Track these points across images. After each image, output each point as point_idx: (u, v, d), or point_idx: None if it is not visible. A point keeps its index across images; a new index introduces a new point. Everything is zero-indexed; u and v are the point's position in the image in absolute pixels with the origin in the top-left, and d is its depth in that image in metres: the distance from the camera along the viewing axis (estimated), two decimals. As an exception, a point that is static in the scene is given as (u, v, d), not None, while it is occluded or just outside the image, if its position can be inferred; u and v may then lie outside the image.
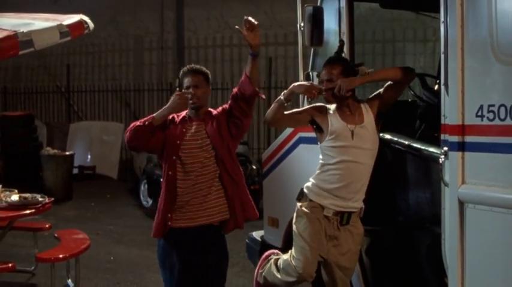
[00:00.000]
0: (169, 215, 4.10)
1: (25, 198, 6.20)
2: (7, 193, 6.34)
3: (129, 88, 16.48)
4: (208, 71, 4.26)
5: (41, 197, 6.30)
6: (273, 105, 4.35)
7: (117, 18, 16.56)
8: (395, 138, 4.63)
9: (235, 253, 6.94)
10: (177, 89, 4.28)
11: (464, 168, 3.56)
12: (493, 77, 3.42)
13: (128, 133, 4.10)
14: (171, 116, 4.16)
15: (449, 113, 3.64)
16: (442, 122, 3.72)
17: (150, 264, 7.53)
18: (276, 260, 4.49)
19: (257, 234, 5.96)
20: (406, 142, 4.57)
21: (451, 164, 3.63)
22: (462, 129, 3.55)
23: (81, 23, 5.74)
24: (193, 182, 4.06)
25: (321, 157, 4.29)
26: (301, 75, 5.11)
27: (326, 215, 4.20)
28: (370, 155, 4.21)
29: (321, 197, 4.21)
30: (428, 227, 4.37)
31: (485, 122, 3.41)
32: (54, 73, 17.63)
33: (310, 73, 4.97)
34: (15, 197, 6.21)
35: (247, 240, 6.09)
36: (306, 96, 4.76)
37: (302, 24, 4.96)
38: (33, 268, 7.03)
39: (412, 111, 5.15)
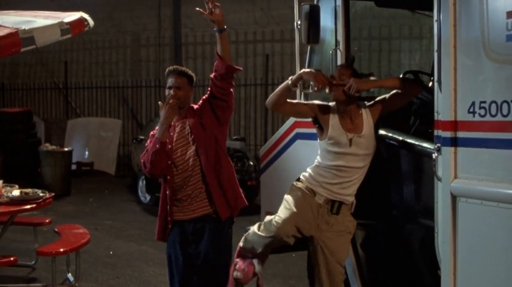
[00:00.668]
0: (168, 208, 4.20)
1: (26, 193, 6.26)
2: (8, 188, 6.41)
3: (127, 85, 16.52)
4: (193, 74, 4.29)
5: (42, 192, 6.37)
6: (278, 88, 4.38)
7: (114, 15, 16.59)
8: (390, 134, 4.69)
9: (232, 247, 7.01)
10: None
11: (456, 163, 3.64)
12: (484, 75, 3.50)
13: (149, 168, 4.10)
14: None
15: (442, 109, 3.72)
16: (435, 118, 3.79)
17: (149, 258, 7.64)
18: (260, 224, 4.61)
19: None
20: (401, 138, 4.65)
21: (443, 159, 3.70)
22: (455, 125, 3.63)
23: (81, 20, 5.82)
24: (186, 178, 4.13)
25: (319, 151, 4.39)
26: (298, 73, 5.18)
27: (317, 201, 4.32)
28: (366, 159, 4.32)
29: (313, 185, 4.35)
30: (422, 220, 4.44)
31: (477, 118, 3.49)
32: (51, 70, 17.66)
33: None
34: (16, 192, 6.27)
35: (244, 234, 6.16)
36: (300, 89, 4.85)
37: (299, 22, 5.04)
38: (33, 262, 7.11)
39: (407, 108, 5.23)
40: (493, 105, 3.40)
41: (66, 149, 13.16)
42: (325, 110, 4.38)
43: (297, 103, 4.51)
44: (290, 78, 4.35)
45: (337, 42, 4.82)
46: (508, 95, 3.32)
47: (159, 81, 16.06)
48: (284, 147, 5.61)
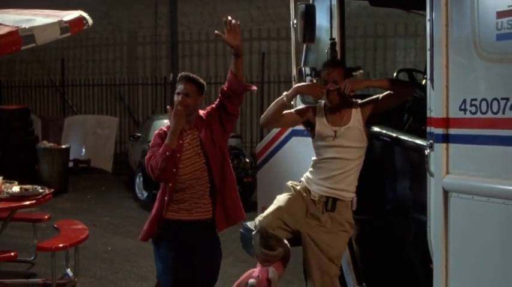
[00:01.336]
0: (165, 210, 4.23)
1: (26, 189, 6.34)
2: (8, 184, 6.48)
3: (123, 82, 16.57)
4: (203, 82, 4.26)
5: (41, 188, 6.45)
6: (271, 106, 4.42)
7: (111, 13, 16.64)
8: (384, 131, 4.76)
9: (230, 243, 7.10)
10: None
11: (448, 159, 3.71)
12: (475, 73, 3.58)
13: (157, 174, 4.09)
14: (163, 132, 4.24)
15: (435, 106, 3.79)
16: (428, 115, 3.86)
17: (147, 254, 7.67)
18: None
19: (251, 224, 6.07)
20: (394, 134, 4.72)
21: (436, 155, 3.78)
22: (446, 122, 3.70)
23: (80, 19, 5.88)
24: (190, 186, 4.18)
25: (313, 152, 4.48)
26: (294, 71, 5.27)
27: (312, 199, 4.37)
28: (355, 152, 4.33)
29: (309, 184, 4.42)
30: (415, 215, 4.50)
31: (468, 115, 3.56)
32: (48, 67, 17.70)
33: (303, 68, 5.13)
34: (16, 188, 6.35)
35: (241, 230, 6.20)
36: (300, 95, 4.91)
37: (295, 21, 5.10)
38: (33, 257, 7.19)
39: (400, 105, 5.30)
40: (484, 103, 3.47)
41: (63, 146, 13.23)
42: (313, 111, 4.46)
43: (286, 114, 4.51)
44: (284, 94, 4.38)
45: (332, 41, 4.89)
46: (498, 93, 3.40)
47: (156, 79, 16.13)
48: (280, 144, 5.68)
